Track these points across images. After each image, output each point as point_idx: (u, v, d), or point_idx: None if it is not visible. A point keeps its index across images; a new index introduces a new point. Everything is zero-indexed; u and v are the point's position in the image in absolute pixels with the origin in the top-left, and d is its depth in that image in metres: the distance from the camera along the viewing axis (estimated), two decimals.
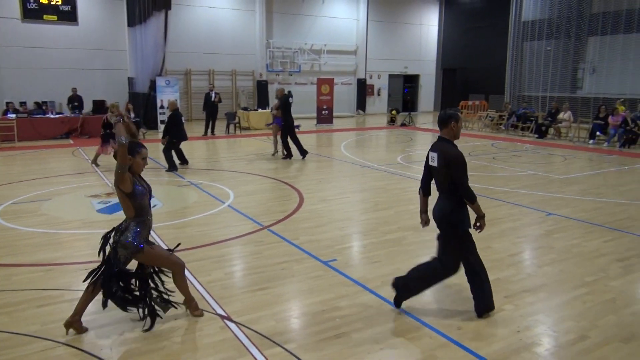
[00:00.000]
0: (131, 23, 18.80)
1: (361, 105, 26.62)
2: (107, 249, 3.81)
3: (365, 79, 26.46)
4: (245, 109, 20.21)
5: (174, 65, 20.77)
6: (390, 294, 4.43)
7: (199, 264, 5.16)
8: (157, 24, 17.83)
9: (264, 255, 5.42)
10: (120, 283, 3.73)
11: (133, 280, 3.84)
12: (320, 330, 3.82)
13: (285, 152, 12.10)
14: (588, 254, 5.52)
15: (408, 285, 4.08)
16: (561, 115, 16.33)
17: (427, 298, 4.38)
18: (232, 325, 3.88)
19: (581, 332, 3.82)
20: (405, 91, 25.88)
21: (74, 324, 3.72)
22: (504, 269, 5.08)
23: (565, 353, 3.54)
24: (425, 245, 5.80)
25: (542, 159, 12.31)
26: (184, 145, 10.89)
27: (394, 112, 21.69)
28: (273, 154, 12.54)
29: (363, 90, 26.51)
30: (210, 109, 17.01)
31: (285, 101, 12.14)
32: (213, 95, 17.12)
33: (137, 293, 3.81)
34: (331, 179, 9.85)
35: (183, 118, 11.11)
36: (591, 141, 14.92)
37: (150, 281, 3.89)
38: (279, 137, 12.31)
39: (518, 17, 21.80)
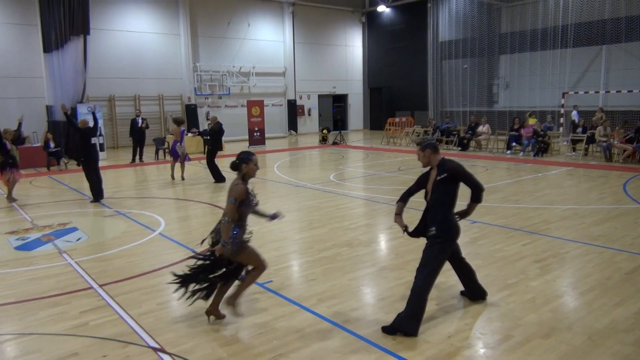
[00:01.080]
0: (47, 49, 17.92)
1: (293, 125, 26.87)
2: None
3: (295, 100, 26.79)
4: (212, 139, 19.71)
5: (96, 91, 19.99)
6: (327, 311, 4.48)
7: (129, 296, 4.95)
8: (75, 50, 17.15)
9: None
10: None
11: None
12: (258, 353, 3.78)
13: (216, 177, 11.99)
14: (509, 257, 5.88)
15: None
16: (480, 129, 17.36)
17: (361, 312, 4.47)
18: (165, 358, 3.75)
19: (506, 332, 4.04)
20: (333, 111, 26.45)
21: (213, 312, 4.31)
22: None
23: (492, 353, 3.73)
24: (360, 260, 5.92)
25: None
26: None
27: (325, 131, 22.07)
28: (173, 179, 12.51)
29: (294, 110, 26.81)
30: (138, 135, 16.52)
31: (218, 129, 12.45)
32: (139, 120, 16.64)
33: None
34: (265, 200, 9.82)
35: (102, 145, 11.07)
36: (508, 151, 15.96)
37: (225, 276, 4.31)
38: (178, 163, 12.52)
39: (435, 37, 23.11)
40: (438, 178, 4.17)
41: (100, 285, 5.26)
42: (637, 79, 16.90)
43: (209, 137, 12.61)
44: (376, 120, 28.61)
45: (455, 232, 4.23)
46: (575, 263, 5.68)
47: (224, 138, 13.13)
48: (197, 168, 14.79)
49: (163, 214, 8.63)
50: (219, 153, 12.53)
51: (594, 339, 3.89)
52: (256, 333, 4.12)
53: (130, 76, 21.25)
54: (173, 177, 12.53)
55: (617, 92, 17.34)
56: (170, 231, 7.46)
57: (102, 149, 16.54)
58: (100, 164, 10.45)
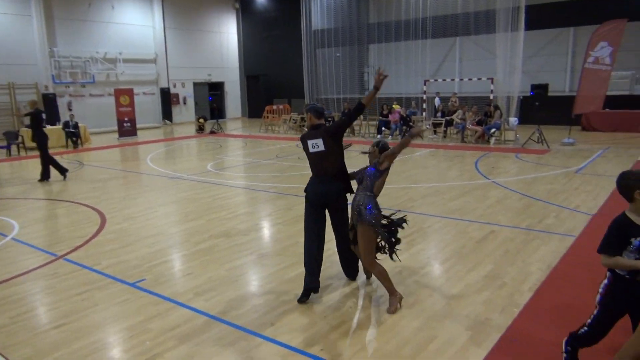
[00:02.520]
0: None
1: (167, 115, 25.66)
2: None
3: (168, 88, 25.57)
4: (30, 126, 17.74)
5: None
6: (204, 304, 4.40)
7: None
8: None
9: (59, 289, 4.85)
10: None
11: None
12: (128, 358, 3.58)
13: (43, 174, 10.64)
14: None
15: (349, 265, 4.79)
16: None
17: (239, 301, 4.45)
18: None
19: (377, 305, 4.31)
20: (210, 99, 25.73)
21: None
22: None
23: (364, 326, 3.95)
24: (238, 249, 5.88)
25: None
26: None
27: (201, 120, 21.42)
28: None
29: (168, 99, 25.59)
30: None
31: (37, 115, 10.58)
32: None
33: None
34: (137, 194, 9.29)
35: None
36: (379, 136, 16.91)
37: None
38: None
39: (309, 26, 23.53)
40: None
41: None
42: (485, 68, 18.87)
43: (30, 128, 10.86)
44: (254, 108, 28.47)
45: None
46: (435, 236, 6.23)
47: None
48: None
49: (17, 216, 7.74)
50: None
51: (451, 303, 4.31)
52: (127, 337, 3.90)
53: None
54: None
55: (469, 79, 19.21)
56: (26, 235, 6.72)
57: None
58: None
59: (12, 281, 5.10)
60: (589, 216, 6.75)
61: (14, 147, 15.60)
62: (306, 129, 4.63)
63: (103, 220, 7.37)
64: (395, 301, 4.23)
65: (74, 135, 17.00)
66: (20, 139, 15.88)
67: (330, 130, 4.41)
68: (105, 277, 5.12)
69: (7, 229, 7.06)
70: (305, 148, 4.48)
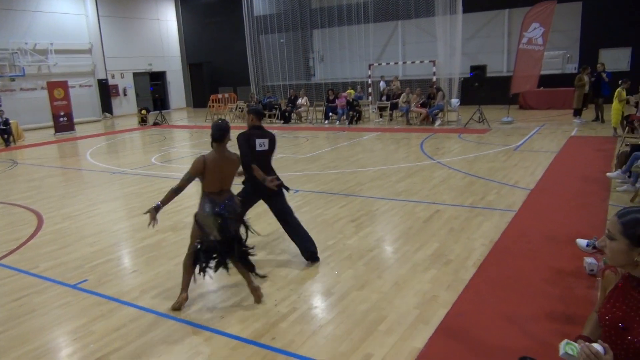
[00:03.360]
0: None
1: (107, 107, 24.61)
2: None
3: (107, 79, 24.48)
4: None
5: None
6: (151, 302, 4.28)
7: None
8: None
9: None
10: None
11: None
12: None
13: None
14: (329, 220, 6.29)
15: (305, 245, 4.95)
16: (299, 101, 18.06)
17: (189, 295, 4.35)
18: None
19: (327, 290, 4.33)
20: (151, 89, 24.84)
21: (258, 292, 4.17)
22: (261, 249, 5.36)
23: (316, 312, 3.97)
24: (185, 243, 5.70)
25: (288, 142, 13.43)
26: None
27: (144, 111, 20.68)
28: None
29: (106, 91, 24.51)
30: None
31: None
32: None
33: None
34: (76, 192, 8.87)
35: None
36: (326, 121, 16.96)
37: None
38: None
39: (250, 12, 23.09)
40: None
41: None
42: (427, 51, 19.25)
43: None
44: (199, 98, 27.79)
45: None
46: (383, 218, 6.33)
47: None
48: None
49: None
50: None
51: (400, 283, 4.40)
52: (69, 340, 3.73)
53: None
54: None
55: (411, 62, 19.55)
56: None
57: None
58: None
59: None
60: (527, 191, 7.06)
61: None
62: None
63: (40, 221, 6.99)
64: (181, 299, 4.10)
65: (4, 132, 15.99)
66: None
67: (274, 139, 4.98)
68: (43, 280, 4.87)
69: None
70: (252, 145, 4.77)
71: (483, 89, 14.78)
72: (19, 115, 19.05)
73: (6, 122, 16.14)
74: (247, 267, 4.20)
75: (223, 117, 20.00)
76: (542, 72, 15.29)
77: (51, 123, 18.85)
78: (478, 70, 15.01)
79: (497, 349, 3.30)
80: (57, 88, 18.58)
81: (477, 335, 3.48)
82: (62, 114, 18.65)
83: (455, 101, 15.51)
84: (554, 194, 6.93)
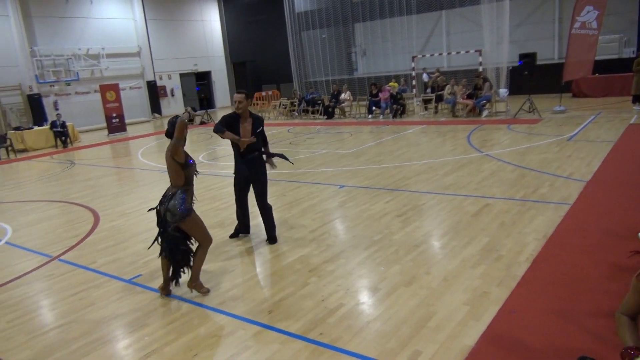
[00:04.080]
0: None
1: (156, 108, 25.43)
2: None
3: (155, 81, 25.29)
4: (18, 128, 17.58)
5: None
6: (200, 297, 4.38)
7: None
8: None
9: (55, 290, 4.82)
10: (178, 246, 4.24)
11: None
12: (127, 354, 3.56)
13: None
14: (374, 215, 6.24)
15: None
16: (342, 96, 18.01)
17: (237, 291, 4.43)
18: None
19: (374, 286, 4.30)
20: (197, 89, 25.42)
21: (165, 289, 4.40)
22: (306, 245, 5.41)
23: (363, 308, 3.95)
24: (230, 241, 5.84)
25: (332, 138, 13.43)
26: None
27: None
28: None
29: (155, 92, 25.32)
30: None
31: None
32: None
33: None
34: (130, 190, 9.22)
35: None
36: (369, 116, 16.82)
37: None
38: None
39: (292, 8, 23.18)
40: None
41: None
42: (472, 41, 18.72)
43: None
44: None
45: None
46: (430, 213, 6.21)
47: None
48: (47, 164, 13.38)
49: (9, 220, 7.67)
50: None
51: (448, 279, 4.31)
52: (126, 332, 3.88)
53: None
54: None
55: (456, 53, 19.06)
56: (19, 238, 6.66)
57: None
58: None
59: (8, 285, 5.06)
60: (583, 183, 6.74)
61: (2, 151, 15.42)
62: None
63: (96, 219, 7.31)
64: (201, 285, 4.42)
65: (62, 134, 16.83)
66: (8, 142, 15.69)
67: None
68: (101, 275, 5.09)
69: (0, 233, 7.00)
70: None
71: (533, 78, 14.21)
72: (75, 118, 20.00)
73: (63, 125, 16.98)
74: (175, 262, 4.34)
75: (265, 114, 20.24)
76: (597, 58, 14.57)
77: (104, 124, 19.68)
78: (527, 58, 14.44)
79: (552, 348, 3.17)
80: (109, 91, 19.37)
81: (530, 334, 3.35)
82: (114, 115, 19.44)
83: (503, 91, 14.99)
84: (612, 186, 6.59)
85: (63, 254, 5.86)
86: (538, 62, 15.15)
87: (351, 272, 4.64)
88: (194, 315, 4.05)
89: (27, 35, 20.34)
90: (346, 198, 7.16)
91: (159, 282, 4.78)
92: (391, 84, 17.78)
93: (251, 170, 5.48)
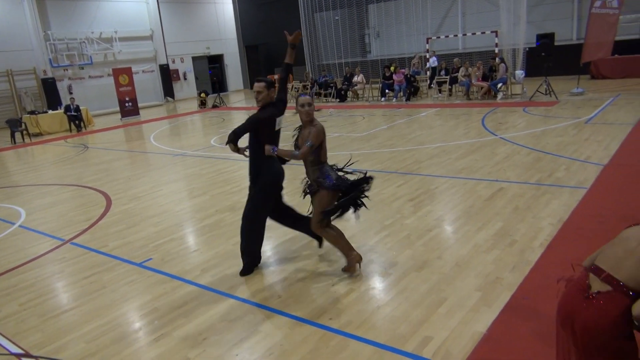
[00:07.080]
0: None
1: (169, 91, 25.44)
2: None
3: (167, 64, 25.27)
4: (33, 112, 17.73)
5: None
6: (211, 280, 4.37)
7: None
8: None
9: (67, 273, 4.86)
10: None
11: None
12: (137, 338, 3.58)
13: None
14: (386, 199, 6.16)
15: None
16: (355, 79, 17.79)
17: (245, 277, 4.42)
18: None
19: (385, 271, 4.25)
20: (210, 72, 25.32)
21: (355, 257, 4.24)
22: None
23: (373, 293, 3.91)
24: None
25: (345, 121, 13.30)
26: None
27: (203, 94, 21.20)
28: None
29: (168, 75, 25.32)
30: None
31: None
32: None
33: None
34: (141, 174, 9.25)
35: None
36: (382, 99, 16.62)
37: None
38: None
39: None
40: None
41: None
42: (488, 21, 18.30)
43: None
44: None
45: None
46: (443, 197, 6.12)
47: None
48: (61, 148, 13.49)
49: (23, 203, 7.75)
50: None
51: (460, 264, 4.24)
52: (136, 316, 3.89)
53: None
54: None
55: (472, 34, 18.66)
56: (33, 221, 6.73)
57: None
58: None
59: (21, 268, 5.12)
60: (601, 167, 6.58)
61: (17, 135, 15.57)
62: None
63: (109, 202, 7.35)
64: (351, 262, 4.21)
65: (76, 118, 16.93)
66: (23, 126, 15.83)
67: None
68: (112, 258, 5.11)
69: (15, 216, 7.08)
70: (272, 126, 4.37)
71: (550, 59, 13.85)
72: (89, 102, 20.12)
73: (77, 109, 17.06)
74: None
75: None
76: (617, 38, 14.13)
77: (117, 108, 19.75)
78: (545, 39, 14.07)
79: None
80: (122, 74, 19.38)
81: (544, 320, 3.28)
82: (127, 99, 19.48)
83: (520, 73, 14.65)
84: (631, 170, 6.41)
85: (75, 237, 5.90)
86: (556, 43, 14.75)
87: (339, 256, 4.58)
88: (203, 299, 4.05)
89: (41, 19, 20.39)
90: None
91: (169, 266, 4.79)
92: (391, 68, 17.39)
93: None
